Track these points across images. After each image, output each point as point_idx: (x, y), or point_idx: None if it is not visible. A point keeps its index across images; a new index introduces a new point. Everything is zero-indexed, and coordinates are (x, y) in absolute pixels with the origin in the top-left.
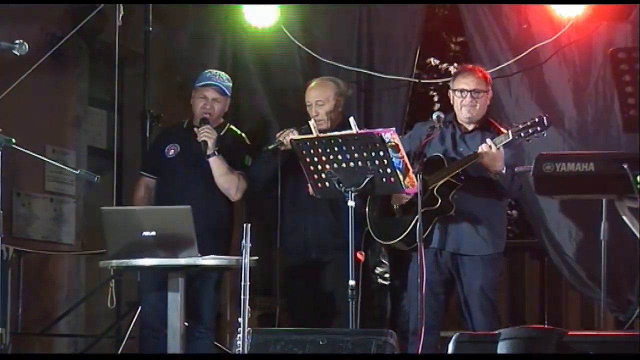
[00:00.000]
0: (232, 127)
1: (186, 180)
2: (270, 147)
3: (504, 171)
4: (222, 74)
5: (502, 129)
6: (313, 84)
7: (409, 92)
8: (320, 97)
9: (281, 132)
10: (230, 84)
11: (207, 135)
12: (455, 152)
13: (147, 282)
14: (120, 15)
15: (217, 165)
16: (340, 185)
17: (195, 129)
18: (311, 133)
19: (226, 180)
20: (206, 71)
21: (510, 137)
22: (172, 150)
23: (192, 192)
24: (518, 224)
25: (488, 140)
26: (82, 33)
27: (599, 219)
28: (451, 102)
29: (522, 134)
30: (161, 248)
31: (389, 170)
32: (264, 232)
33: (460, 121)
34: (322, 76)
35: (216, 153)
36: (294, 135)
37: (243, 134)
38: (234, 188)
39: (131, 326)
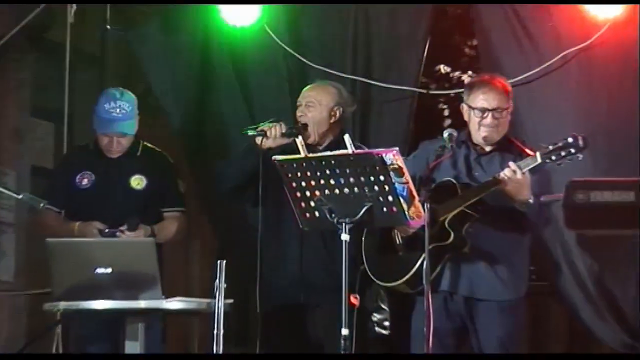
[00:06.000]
0: (147, 144)
1: (108, 213)
2: (249, 132)
3: (531, 200)
4: (125, 99)
5: (526, 150)
6: (311, 84)
7: (414, 105)
8: (312, 99)
9: (266, 122)
10: (134, 103)
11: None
12: (470, 178)
13: (90, 332)
14: (73, 11)
15: (161, 237)
16: (333, 215)
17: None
18: (300, 134)
19: (175, 240)
20: (105, 103)
21: (539, 161)
22: (86, 180)
23: (116, 227)
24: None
25: (512, 164)
26: (26, 31)
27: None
28: (465, 117)
29: (553, 157)
30: (119, 288)
31: (390, 198)
32: (238, 269)
33: (475, 141)
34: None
35: (139, 228)
36: (282, 129)
37: (163, 152)
38: (182, 236)
39: None
